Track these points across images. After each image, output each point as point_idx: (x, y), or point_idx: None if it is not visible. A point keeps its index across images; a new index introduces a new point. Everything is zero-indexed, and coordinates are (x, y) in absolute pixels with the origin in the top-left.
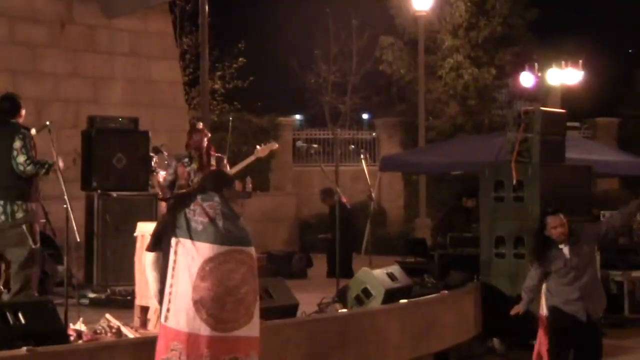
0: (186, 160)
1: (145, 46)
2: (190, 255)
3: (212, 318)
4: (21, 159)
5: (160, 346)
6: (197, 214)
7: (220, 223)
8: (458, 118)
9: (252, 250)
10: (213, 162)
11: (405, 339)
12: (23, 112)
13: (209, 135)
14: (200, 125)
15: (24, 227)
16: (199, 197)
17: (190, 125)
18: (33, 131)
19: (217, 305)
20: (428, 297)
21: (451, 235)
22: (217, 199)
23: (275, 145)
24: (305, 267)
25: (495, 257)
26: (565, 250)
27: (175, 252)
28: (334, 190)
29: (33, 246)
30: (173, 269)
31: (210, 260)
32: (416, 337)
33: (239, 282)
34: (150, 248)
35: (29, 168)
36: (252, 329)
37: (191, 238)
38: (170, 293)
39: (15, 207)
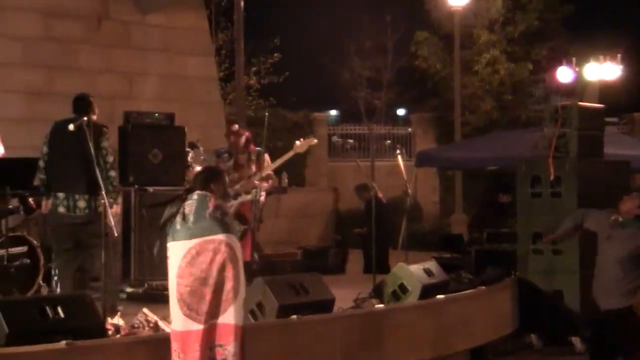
0: (226, 155)
1: (180, 42)
2: (174, 257)
3: (194, 312)
4: (110, 158)
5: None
6: (179, 215)
7: (191, 218)
8: (494, 113)
9: (224, 237)
10: (253, 157)
11: (442, 334)
12: (97, 110)
13: (246, 133)
14: (235, 127)
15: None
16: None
17: (227, 125)
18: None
19: (195, 298)
20: (464, 293)
21: (487, 231)
22: (195, 196)
23: (315, 141)
24: (341, 262)
25: (532, 253)
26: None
27: (168, 257)
28: (369, 186)
29: (115, 234)
30: (169, 273)
31: (184, 256)
32: (452, 333)
33: (215, 271)
34: None
35: (111, 173)
36: (234, 315)
37: (173, 239)
38: (170, 297)
39: (98, 202)
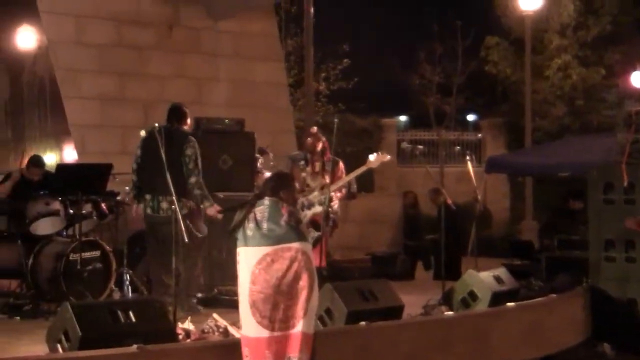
0: (302, 163)
1: (250, 48)
2: (245, 262)
3: (267, 319)
4: (191, 165)
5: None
6: (250, 221)
7: (264, 225)
8: (565, 119)
9: (300, 245)
10: (328, 167)
11: (511, 342)
12: (189, 120)
13: (323, 139)
14: (314, 129)
15: (187, 221)
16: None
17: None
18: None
19: (269, 306)
20: (535, 301)
21: (559, 238)
22: (266, 202)
23: (388, 157)
24: (410, 268)
25: (604, 261)
26: None
27: (238, 262)
28: (441, 190)
29: (199, 235)
30: (238, 277)
31: (258, 263)
32: (522, 340)
33: (291, 279)
34: None
35: (191, 179)
36: (308, 324)
37: (245, 245)
38: (240, 302)
39: (181, 204)
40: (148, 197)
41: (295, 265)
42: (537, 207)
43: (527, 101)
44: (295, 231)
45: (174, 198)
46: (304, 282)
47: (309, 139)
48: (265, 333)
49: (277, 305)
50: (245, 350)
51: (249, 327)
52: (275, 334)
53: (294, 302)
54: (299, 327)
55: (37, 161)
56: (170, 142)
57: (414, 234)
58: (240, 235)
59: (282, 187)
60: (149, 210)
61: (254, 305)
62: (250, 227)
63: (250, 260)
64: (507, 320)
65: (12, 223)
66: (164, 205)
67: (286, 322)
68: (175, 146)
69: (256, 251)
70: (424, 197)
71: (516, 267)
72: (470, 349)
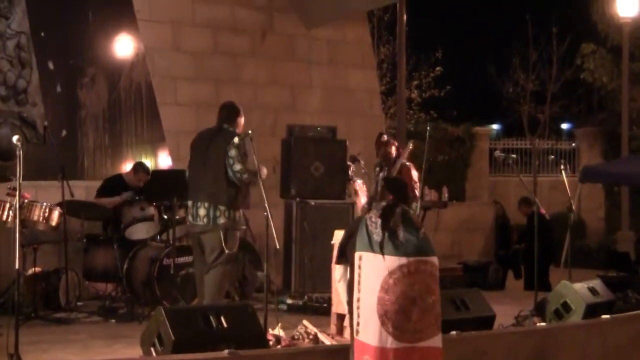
0: (377, 169)
1: (343, 55)
2: (373, 269)
3: (398, 330)
4: (237, 167)
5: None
6: (378, 226)
7: (400, 234)
8: None
9: (435, 259)
10: (398, 166)
11: (607, 356)
12: (241, 120)
13: (396, 143)
14: (385, 137)
15: (221, 232)
16: (377, 210)
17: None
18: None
19: (402, 317)
20: (633, 313)
21: None
22: (398, 209)
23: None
24: (502, 278)
25: None
26: None
27: (359, 267)
28: (532, 200)
29: (226, 251)
30: (359, 282)
31: (393, 272)
32: (619, 354)
33: (425, 292)
34: (337, 260)
35: (245, 176)
36: (439, 339)
37: (373, 251)
38: (358, 307)
39: (218, 213)
40: (190, 203)
41: (429, 279)
42: (633, 217)
43: (624, 109)
44: (430, 243)
45: (213, 205)
46: (436, 297)
47: (382, 148)
48: (393, 344)
49: (410, 317)
50: (364, 358)
51: (374, 336)
52: (404, 344)
53: (425, 315)
54: (435, 342)
55: (146, 168)
56: (216, 144)
57: (504, 243)
58: (361, 239)
59: (407, 193)
60: (190, 218)
61: (385, 315)
62: (376, 232)
63: (379, 267)
64: (602, 332)
65: (109, 228)
66: (201, 212)
67: (416, 334)
68: (221, 148)
69: (390, 260)
70: (516, 206)
71: (612, 279)
72: None
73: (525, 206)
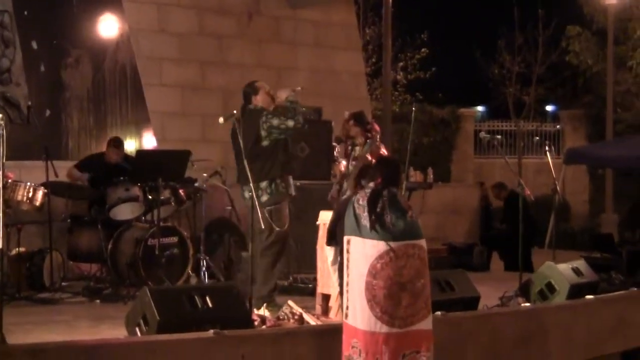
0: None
1: (329, 37)
2: (361, 253)
3: (387, 315)
4: (275, 121)
5: (344, 343)
6: (366, 210)
7: (388, 218)
8: None
9: (423, 242)
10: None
11: (591, 336)
12: (258, 98)
13: (368, 124)
14: (345, 114)
15: (265, 210)
16: (365, 192)
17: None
18: (221, 120)
19: (391, 302)
20: (616, 294)
21: None
22: (385, 192)
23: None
24: (487, 259)
25: None
26: None
27: (348, 251)
28: (506, 185)
29: (276, 229)
30: (347, 267)
31: (381, 257)
32: (602, 335)
33: (414, 276)
34: (327, 242)
35: (289, 122)
36: (430, 322)
37: (361, 235)
38: (347, 291)
39: (260, 192)
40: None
41: (418, 263)
42: (617, 199)
43: (609, 92)
44: (418, 226)
45: (251, 185)
46: (425, 279)
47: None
48: (384, 328)
49: (400, 302)
50: (353, 341)
51: (363, 320)
52: (395, 330)
53: (416, 299)
54: (425, 325)
55: (117, 142)
56: (248, 125)
57: (488, 224)
58: (349, 222)
59: (399, 176)
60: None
61: (373, 299)
62: (364, 216)
63: (368, 253)
64: (587, 313)
65: (93, 208)
66: (246, 194)
67: (407, 319)
68: (253, 127)
69: (377, 245)
70: None
71: (596, 260)
72: (549, 341)
73: (498, 190)
